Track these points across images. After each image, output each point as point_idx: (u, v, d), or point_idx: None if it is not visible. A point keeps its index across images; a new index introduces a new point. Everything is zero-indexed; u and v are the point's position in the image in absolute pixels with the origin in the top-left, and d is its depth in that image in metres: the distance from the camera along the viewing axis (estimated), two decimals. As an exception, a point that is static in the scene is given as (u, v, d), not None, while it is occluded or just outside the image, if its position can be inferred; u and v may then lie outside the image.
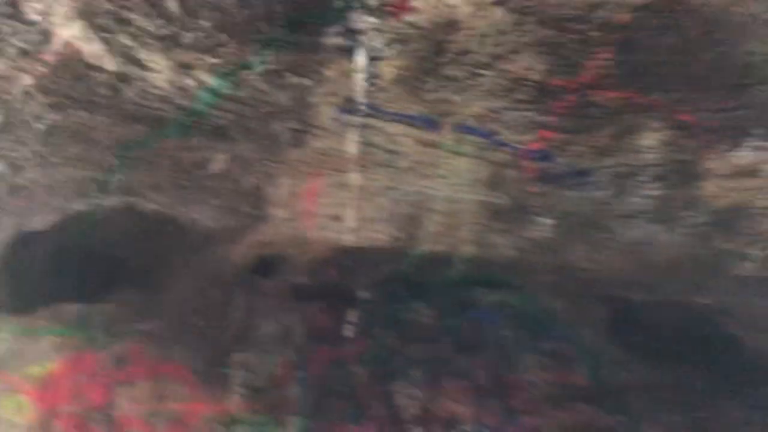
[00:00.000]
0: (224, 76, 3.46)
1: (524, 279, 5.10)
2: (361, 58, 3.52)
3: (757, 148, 3.90)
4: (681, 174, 4.13)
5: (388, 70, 3.59)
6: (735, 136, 3.90)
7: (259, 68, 3.48)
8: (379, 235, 4.26)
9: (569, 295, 5.39)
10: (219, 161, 3.73)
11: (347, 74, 3.57)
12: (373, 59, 3.54)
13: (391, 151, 3.98)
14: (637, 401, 5.28)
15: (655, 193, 4.26)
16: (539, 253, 4.61)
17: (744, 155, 3.94)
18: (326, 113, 3.73)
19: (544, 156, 4.25)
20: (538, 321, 5.29)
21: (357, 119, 3.76)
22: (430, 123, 3.89)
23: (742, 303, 4.96)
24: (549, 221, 4.49)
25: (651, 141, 4.04)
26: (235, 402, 4.08)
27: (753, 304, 4.94)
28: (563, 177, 4.38)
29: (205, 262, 4.00)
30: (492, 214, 4.42)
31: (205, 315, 4.14)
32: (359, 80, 3.58)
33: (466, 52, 3.67)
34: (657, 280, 4.96)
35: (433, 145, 4.01)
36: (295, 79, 3.58)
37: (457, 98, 3.81)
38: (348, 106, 3.71)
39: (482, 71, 3.76)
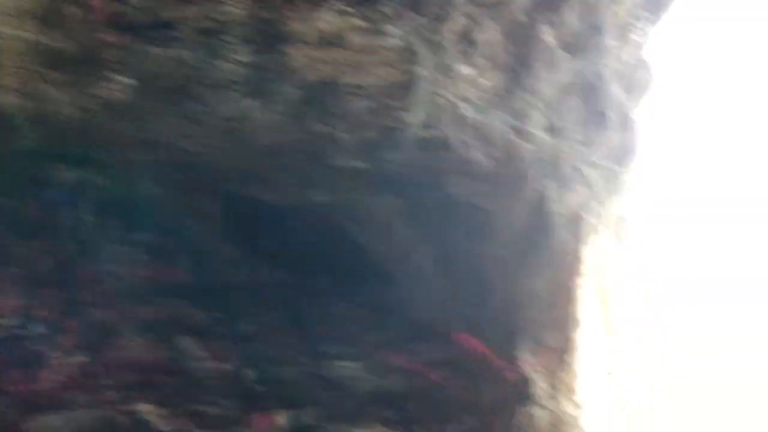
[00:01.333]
0: None
1: (110, 155, 4.40)
2: None
3: (341, 12, 3.65)
4: (268, 36, 3.74)
5: None
6: (318, -6, 3.60)
7: None
8: None
9: (175, 184, 4.85)
10: None
11: None
12: None
13: None
14: (238, 299, 5.01)
15: (245, 59, 3.82)
16: (115, 118, 3.92)
17: (329, 20, 3.67)
18: None
19: (112, -7, 3.54)
20: (132, 207, 4.65)
21: None
22: None
23: (352, 200, 4.90)
24: (126, 80, 3.81)
25: (232, -11, 3.57)
26: None
27: (362, 202, 4.90)
28: (142, 28, 3.72)
29: None
30: (48, 60, 3.59)
31: None
32: None
33: None
34: (264, 170, 4.66)
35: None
36: None
37: None
38: None
39: None
